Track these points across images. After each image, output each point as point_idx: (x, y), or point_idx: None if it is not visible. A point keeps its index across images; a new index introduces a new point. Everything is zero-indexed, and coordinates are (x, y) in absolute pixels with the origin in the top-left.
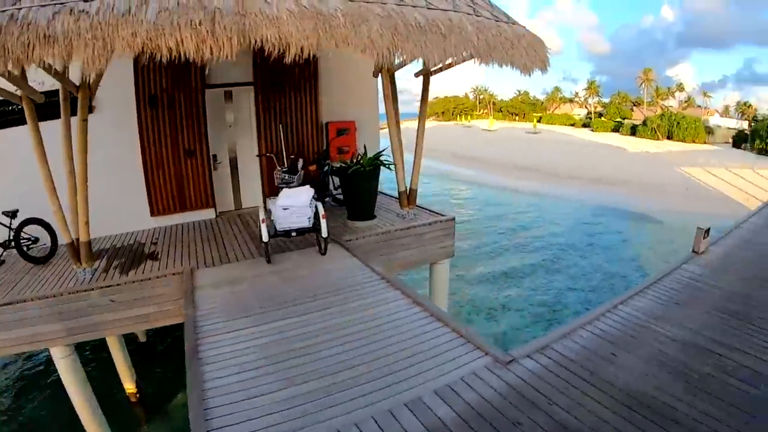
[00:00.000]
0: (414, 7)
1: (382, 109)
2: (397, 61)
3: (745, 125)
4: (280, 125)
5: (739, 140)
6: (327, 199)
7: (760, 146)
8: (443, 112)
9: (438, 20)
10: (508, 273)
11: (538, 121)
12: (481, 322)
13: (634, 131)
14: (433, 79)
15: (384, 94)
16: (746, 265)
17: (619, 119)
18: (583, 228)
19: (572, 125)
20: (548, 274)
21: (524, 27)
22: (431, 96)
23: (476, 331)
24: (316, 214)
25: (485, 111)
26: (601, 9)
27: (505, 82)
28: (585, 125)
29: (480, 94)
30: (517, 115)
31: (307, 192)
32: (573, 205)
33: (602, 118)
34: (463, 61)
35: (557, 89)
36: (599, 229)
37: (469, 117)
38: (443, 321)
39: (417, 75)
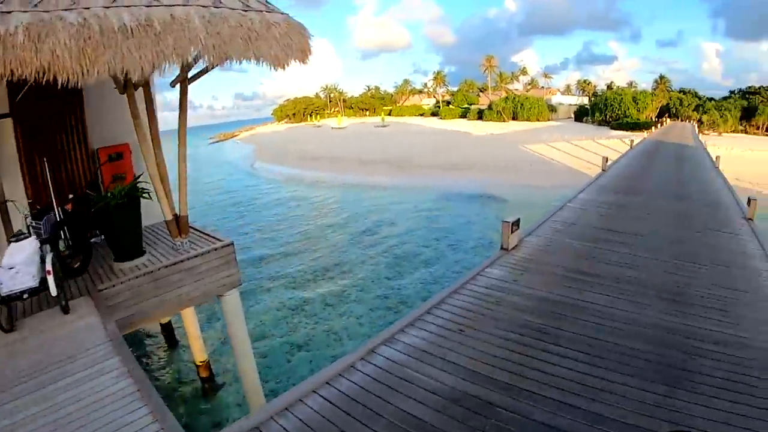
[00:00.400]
0: (128, 6)
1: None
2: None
3: (585, 101)
4: (45, 159)
5: (581, 114)
6: (95, 239)
7: (600, 118)
8: (294, 114)
9: (154, 19)
10: (352, 281)
11: (388, 114)
12: (319, 341)
13: (480, 116)
14: (284, 80)
15: (132, 113)
16: (564, 257)
17: (466, 105)
18: (431, 216)
19: (421, 115)
20: (393, 273)
21: (283, 14)
22: (282, 98)
23: (169, 412)
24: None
25: (336, 109)
26: (447, 2)
27: (356, 78)
28: (434, 114)
29: (330, 93)
30: (367, 110)
31: (29, 245)
32: (420, 195)
33: (450, 106)
34: (214, 66)
35: (406, 81)
36: (446, 215)
37: (318, 117)
38: (145, 400)
39: (173, 84)
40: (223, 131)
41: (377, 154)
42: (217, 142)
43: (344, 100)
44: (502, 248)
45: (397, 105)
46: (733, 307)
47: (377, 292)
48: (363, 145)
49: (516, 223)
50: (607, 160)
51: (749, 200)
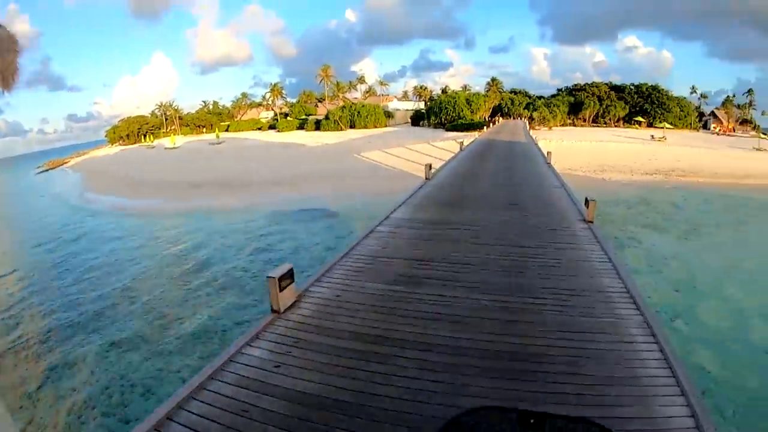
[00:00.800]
0: None
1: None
2: None
3: (422, 105)
4: None
5: (417, 118)
6: None
7: (436, 121)
8: (128, 135)
9: None
10: (174, 328)
11: (226, 130)
12: (137, 407)
13: (318, 126)
14: (120, 99)
15: None
16: (355, 314)
17: (303, 117)
18: (260, 239)
19: (260, 129)
20: (221, 312)
21: None
22: (116, 119)
23: None
24: None
25: (173, 127)
26: (288, 14)
27: (196, 93)
28: (272, 127)
29: (166, 110)
30: (204, 126)
31: None
32: (249, 216)
33: (288, 118)
34: None
35: (244, 95)
36: (275, 237)
37: (153, 137)
38: None
39: None
40: (54, 158)
41: (209, 174)
42: (46, 171)
43: (180, 118)
44: (272, 311)
45: (235, 120)
46: (587, 364)
47: (202, 338)
48: (195, 165)
49: (288, 275)
50: (430, 167)
51: (587, 201)
